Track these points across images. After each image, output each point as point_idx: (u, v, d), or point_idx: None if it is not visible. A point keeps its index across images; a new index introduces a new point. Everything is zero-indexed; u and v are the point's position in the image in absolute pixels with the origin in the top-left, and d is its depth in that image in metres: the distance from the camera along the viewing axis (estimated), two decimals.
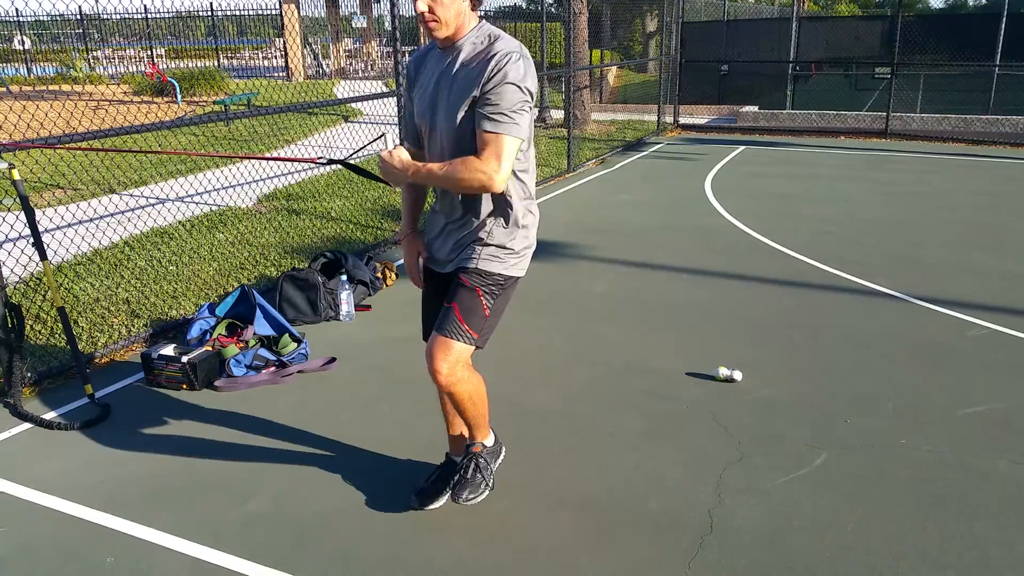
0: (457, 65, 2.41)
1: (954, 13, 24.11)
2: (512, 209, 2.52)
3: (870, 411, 3.61)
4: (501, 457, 2.99)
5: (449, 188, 2.44)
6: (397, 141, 2.52)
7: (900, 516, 2.83)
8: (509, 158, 2.33)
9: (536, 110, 2.50)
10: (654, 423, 3.54)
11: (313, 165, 5.99)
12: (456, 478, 2.84)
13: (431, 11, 2.33)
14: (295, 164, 10.07)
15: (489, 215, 2.52)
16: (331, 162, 3.07)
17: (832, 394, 3.78)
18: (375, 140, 2.77)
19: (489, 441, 2.91)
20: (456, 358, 2.54)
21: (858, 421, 3.51)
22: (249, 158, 3.55)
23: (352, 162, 3.06)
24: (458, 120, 2.39)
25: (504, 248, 2.54)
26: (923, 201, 8.07)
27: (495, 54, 2.33)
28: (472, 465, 2.83)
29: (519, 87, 2.31)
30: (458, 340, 2.53)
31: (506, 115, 2.31)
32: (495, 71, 2.31)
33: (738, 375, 3.90)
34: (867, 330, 4.59)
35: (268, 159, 3.89)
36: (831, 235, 6.70)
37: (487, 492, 2.83)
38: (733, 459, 3.21)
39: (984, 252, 6.16)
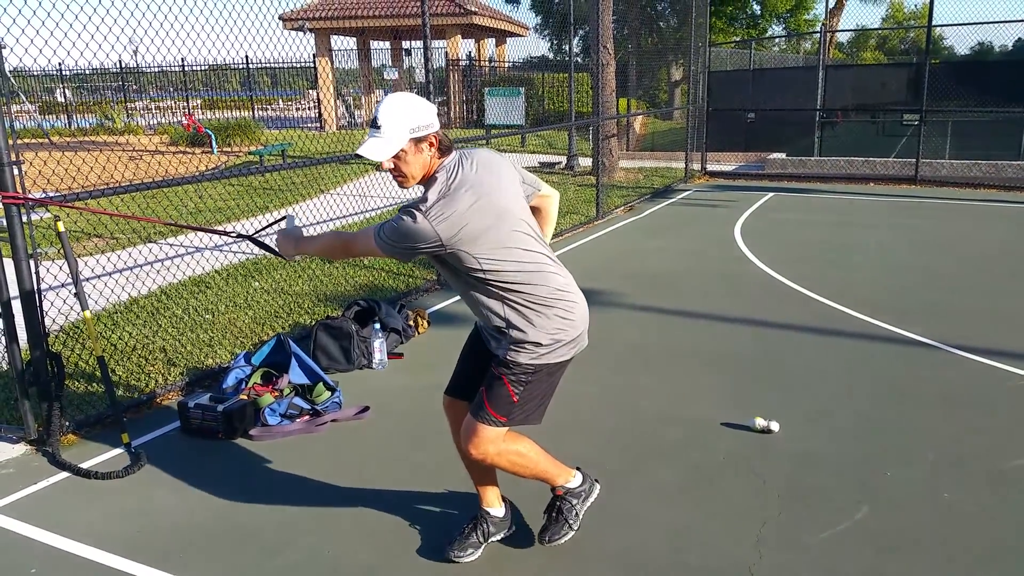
0: None
1: (981, 60, 24.10)
2: (531, 322, 2.53)
3: (910, 463, 3.54)
4: (593, 496, 2.98)
5: (322, 256, 2.88)
6: (298, 222, 2.88)
7: (945, 574, 2.76)
8: (365, 252, 2.58)
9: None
10: (690, 475, 3.50)
11: (350, 213, 6.06)
12: (543, 521, 2.92)
13: (396, 168, 2.49)
14: (332, 212, 10.23)
15: (501, 322, 2.55)
16: (240, 237, 3.41)
17: (870, 445, 3.72)
18: (279, 220, 3.10)
19: (573, 483, 2.92)
20: (483, 440, 2.62)
21: (898, 474, 3.45)
22: (170, 224, 3.75)
23: (260, 238, 3.39)
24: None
25: (531, 343, 2.54)
26: (956, 248, 7.99)
27: (405, 207, 2.43)
28: (555, 509, 2.90)
29: (399, 233, 2.40)
30: (484, 423, 2.61)
31: (382, 235, 2.44)
32: (401, 209, 2.45)
33: (775, 426, 3.85)
34: (904, 379, 4.53)
35: (186, 227, 3.99)
36: (863, 282, 6.65)
37: (571, 533, 2.88)
38: (772, 513, 3.16)
39: (1019, 300, 6.06)
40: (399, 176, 2.51)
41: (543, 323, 2.53)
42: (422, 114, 2.46)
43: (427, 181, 2.51)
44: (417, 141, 2.45)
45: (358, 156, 2.51)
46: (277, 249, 2.88)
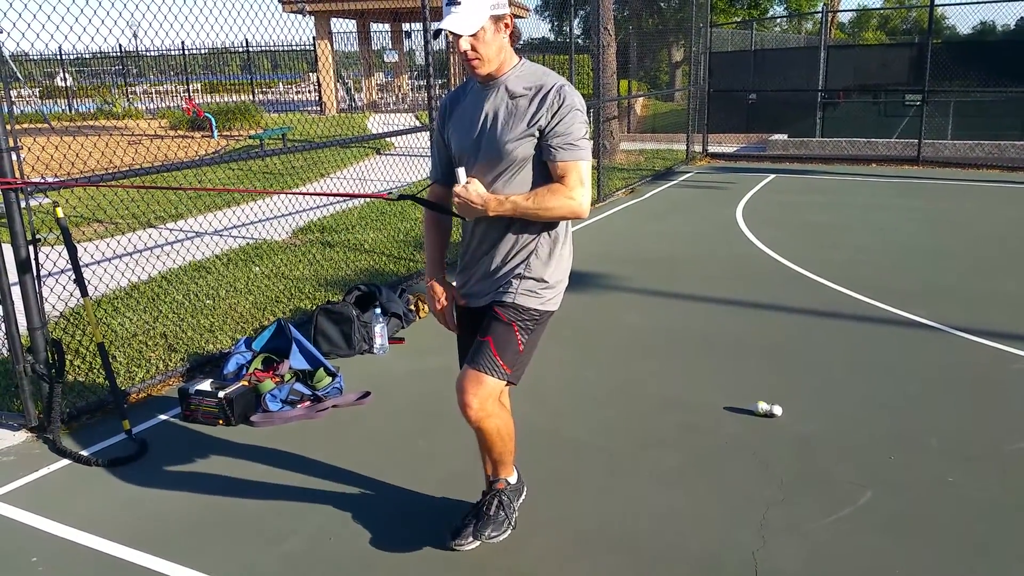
0: (507, 99, 2.45)
1: (983, 40, 23.91)
2: (552, 239, 2.55)
3: (914, 447, 3.53)
4: (523, 496, 2.97)
5: (537, 218, 2.47)
6: (466, 177, 2.48)
7: (949, 558, 2.75)
8: (589, 182, 2.46)
9: None
10: (693, 459, 3.49)
11: (371, 197, 6.04)
12: (479, 515, 2.83)
13: (474, 48, 2.37)
14: (330, 196, 10.19)
15: (527, 246, 2.53)
16: (402, 197, 2.96)
17: (874, 429, 3.71)
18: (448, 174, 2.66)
19: (513, 479, 2.90)
20: (488, 393, 2.54)
21: (902, 458, 3.44)
22: (321, 195, 3.59)
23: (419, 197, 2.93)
24: (516, 151, 2.43)
25: (541, 282, 2.55)
26: (958, 229, 7.95)
27: (552, 87, 2.40)
28: (496, 502, 2.82)
29: (583, 116, 2.41)
30: (491, 375, 2.53)
31: (580, 142, 2.41)
32: (560, 104, 2.39)
33: (778, 410, 3.84)
34: (907, 362, 4.51)
35: (341, 196, 3.93)
36: (866, 264, 6.62)
37: (510, 530, 2.82)
38: (775, 498, 3.15)
39: (1023, 281, 6.04)
40: (474, 58, 2.39)
41: (557, 259, 2.57)
42: None
43: (519, 67, 2.47)
44: (496, 19, 2.37)
45: (437, 32, 2.37)
46: (457, 210, 2.55)
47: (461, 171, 2.49)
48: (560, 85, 2.41)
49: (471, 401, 2.53)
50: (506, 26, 2.41)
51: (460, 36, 2.35)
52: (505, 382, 2.57)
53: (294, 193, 3.98)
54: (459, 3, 2.33)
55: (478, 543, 2.86)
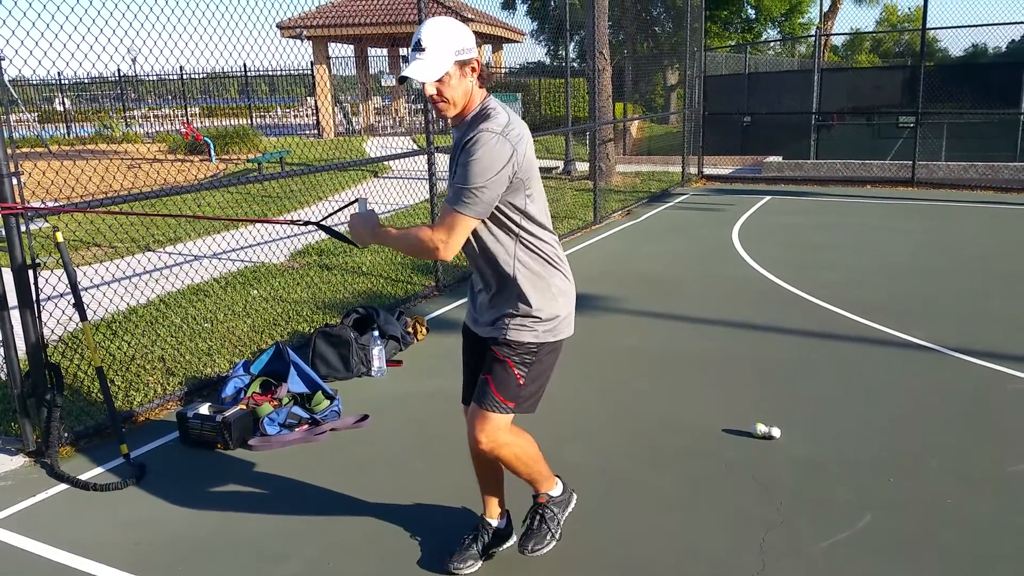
0: (459, 143, 2.48)
1: (975, 63, 24.15)
2: (535, 277, 2.55)
3: (913, 469, 3.53)
4: (571, 505, 2.98)
5: (404, 252, 2.58)
6: (372, 206, 2.65)
7: None
8: (459, 234, 2.40)
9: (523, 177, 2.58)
10: (692, 482, 3.49)
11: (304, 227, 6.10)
12: (523, 529, 2.89)
13: (439, 93, 2.42)
14: (330, 218, 10.21)
15: (513, 288, 2.54)
16: (307, 223, 3.20)
17: (872, 451, 3.71)
18: (350, 204, 2.82)
19: (555, 491, 2.92)
20: (494, 428, 2.59)
21: (901, 480, 3.44)
22: (233, 220, 3.66)
23: (329, 225, 3.20)
24: None
25: (531, 316, 2.55)
26: (953, 250, 7.99)
27: (471, 136, 2.38)
28: (538, 516, 2.87)
29: (483, 166, 2.33)
30: (494, 411, 2.58)
31: (461, 192, 2.36)
32: (467, 150, 2.36)
33: (776, 432, 3.84)
34: (904, 383, 4.52)
35: (251, 221, 3.95)
36: (862, 285, 6.64)
37: (553, 543, 2.85)
38: (775, 521, 3.15)
39: (1019, 301, 6.06)
40: (441, 102, 2.43)
41: (546, 293, 2.56)
42: (465, 37, 2.40)
43: (477, 113, 2.45)
44: (462, 64, 2.40)
45: (403, 79, 2.40)
46: (350, 236, 2.68)
47: (362, 201, 2.66)
48: (479, 133, 2.36)
49: (480, 437, 2.60)
50: (473, 70, 2.44)
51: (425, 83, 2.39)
52: (511, 415, 2.61)
53: (207, 217, 4.00)
54: (423, 48, 2.37)
55: (479, 566, 2.86)
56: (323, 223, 3.08)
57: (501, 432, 2.60)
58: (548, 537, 2.85)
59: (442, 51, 2.36)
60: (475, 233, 2.51)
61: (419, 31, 2.39)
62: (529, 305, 2.54)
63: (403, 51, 25.79)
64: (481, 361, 2.66)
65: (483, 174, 2.33)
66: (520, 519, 2.99)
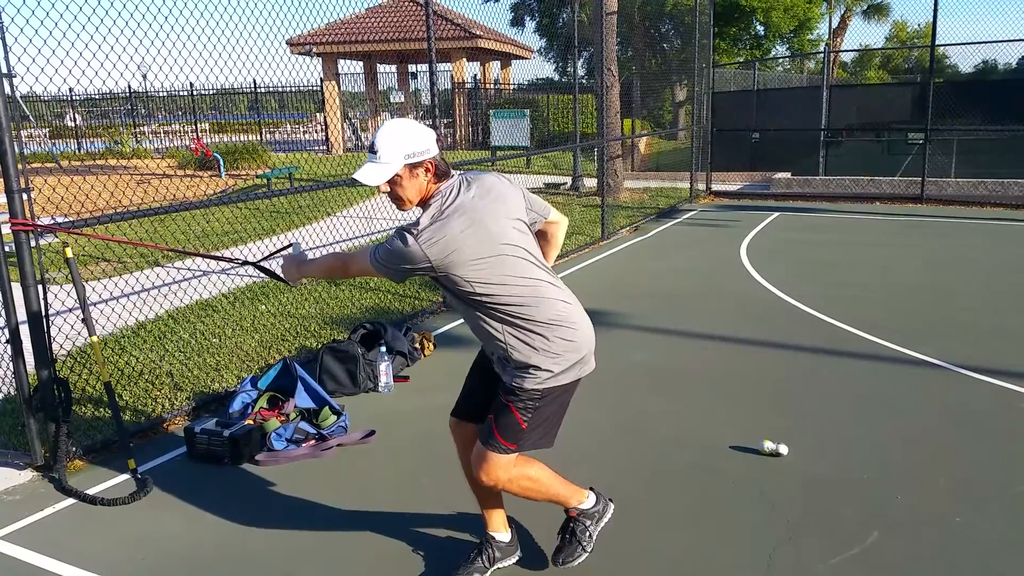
0: None
1: (985, 79, 24.13)
2: (531, 346, 2.53)
3: (921, 487, 3.51)
4: (607, 516, 2.97)
5: (322, 278, 2.85)
6: (303, 249, 2.94)
7: None
8: (361, 272, 2.65)
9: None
10: (700, 500, 3.47)
11: (353, 236, 6.08)
12: (557, 542, 2.91)
13: (393, 192, 2.54)
14: (340, 233, 10.26)
15: (512, 355, 2.55)
16: (245, 264, 3.46)
17: (880, 468, 3.69)
18: (284, 248, 3.06)
19: (587, 504, 2.92)
20: (495, 467, 2.62)
21: (909, 497, 3.41)
22: (178, 252, 3.75)
23: (264, 264, 3.45)
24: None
25: (532, 367, 2.55)
26: (963, 267, 7.96)
27: (399, 229, 2.46)
28: (568, 531, 2.89)
29: (392, 254, 2.44)
30: (495, 451, 2.62)
31: (376, 255, 2.50)
32: (396, 231, 2.47)
33: (784, 449, 3.82)
34: (912, 401, 4.50)
35: (190, 254, 3.99)
36: (870, 302, 6.62)
37: (584, 555, 2.86)
38: (782, 538, 3.13)
39: None
40: (396, 199, 2.56)
41: (545, 346, 2.53)
42: (418, 141, 2.49)
43: (423, 204, 2.55)
44: (412, 167, 2.49)
45: (355, 181, 2.55)
46: (282, 275, 2.95)
47: (296, 244, 2.96)
48: (397, 232, 2.44)
49: (482, 477, 2.65)
50: (426, 170, 2.51)
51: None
52: (512, 455, 2.63)
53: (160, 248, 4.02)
54: (376, 152, 2.49)
55: None
56: (260, 263, 3.41)
57: (502, 471, 2.63)
58: (579, 550, 2.86)
59: (393, 155, 2.47)
60: (455, 302, 2.60)
61: (375, 135, 2.52)
62: (527, 361, 2.54)
63: (412, 67, 25.98)
64: (490, 378, 2.69)
65: (393, 261, 2.46)
66: (546, 529, 2.98)
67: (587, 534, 2.88)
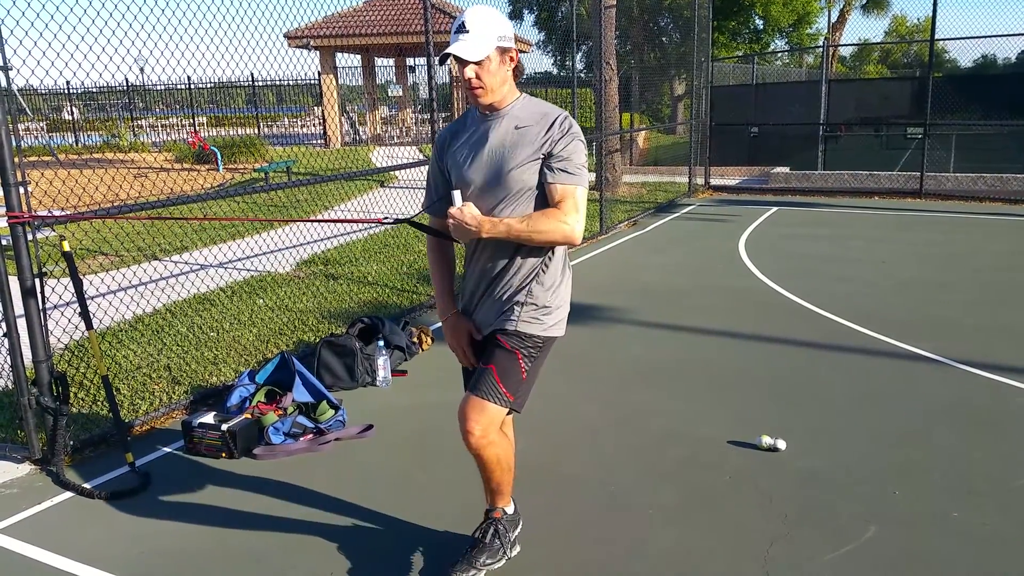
0: (512, 129, 2.48)
1: (984, 73, 24.13)
2: (552, 265, 2.57)
3: (918, 482, 3.51)
4: (519, 528, 2.98)
5: (530, 241, 2.48)
6: (461, 201, 2.51)
7: None
8: (584, 208, 2.48)
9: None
10: (695, 494, 3.48)
11: (371, 224, 6.08)
12: (474, 543, 2.84)
13: (478, 77, 2.42)
14: (335, 227, 10.25)
15: (530, 273, 2.55)
16: (398, 221, 3.06)
17: (878, 463, 3.69)
18: (443, 198, 2.65)
19: (510, 509, 2.92)
20: (490, 420, 2.56)
21: (906, 492, 3.42)
22: (319, 221, 3.65)
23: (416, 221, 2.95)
24: (522, 177, 2.46)
25: (543, 308, 2.56)
26: (961, 262, 7.96)
27: (557, 116, 2.46)
28: (491, 530, 2.84)
29: (584, 147, 2.46)
30: (494, 402, 2.55)
31: (580, 169, 2.45)
32: (564, 131, 2.44)
33: (781, 444, 3.83)
34: (910, 396, 4.50)
35: (336, 221, 3.96)
36: (869, 297, 6.63)
37: (505, 559, 2.84)
38: (779, 533, 3.13)
39: None
40: (478, 87, 2.44)
41: (558, 286, 2.60)
42: (508, 26, 2.46)
43: (521, 101, 2.52)
44: (503, 51, 2.44)
45: (445, 56, 2.42)
46: (452, 233, 2.55)
47: (456, 194, 2.52)
48: (564, 115, 2.48)
49: (473, 428, 2.54)
50: (511, 59, 2.47)
51: (467, 64, 2.40)
52: (508, 409, 2.59)
53: (294, 221, 4.01)
54: (467, 31, 2.38)
55: (506, 558, 2.87)
56: (416, 221, 2.88)
57: (494, 427, 2.58)
58: (502, 553, 2.83)
59: (486, 34, 2.39)
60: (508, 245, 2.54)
61: (463, 15, 2.42)
62: (544, 295, 2.56)
63: (410, 61, 25.90)
64: (482, 355, 2.65)
65: (584, 153, 2.46)
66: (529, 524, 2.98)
67: (508, 538, 2.86)
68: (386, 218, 3.19)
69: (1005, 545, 3.01)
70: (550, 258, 2.58)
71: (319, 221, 4.07)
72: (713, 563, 2.95)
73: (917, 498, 3.37)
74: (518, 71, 2.50)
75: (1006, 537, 3.06)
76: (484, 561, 2.80)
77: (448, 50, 2.39)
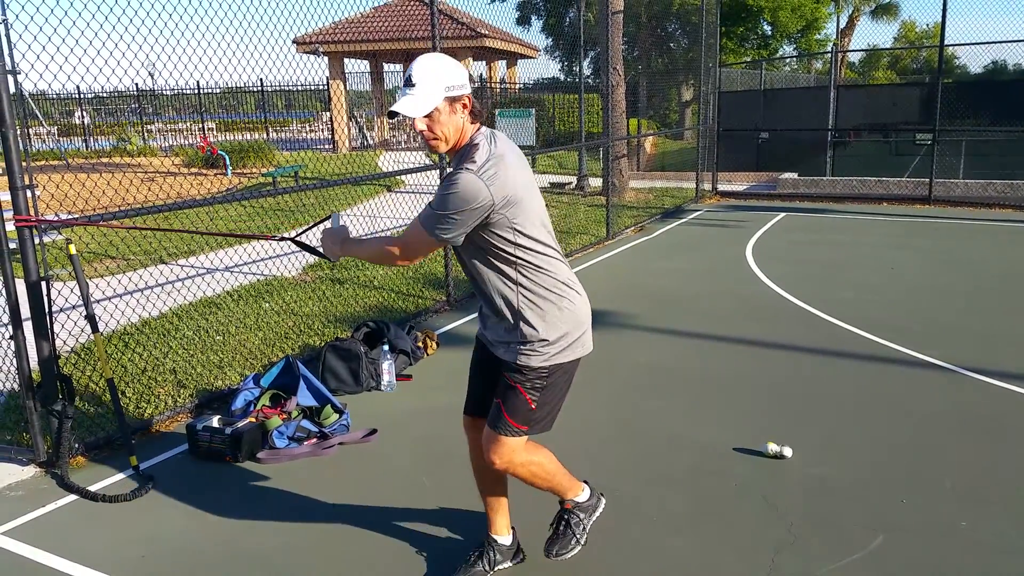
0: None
1: (994, 79, 24.04)
2: (541, 300, 2.52)
3: (926, 490, 3.48)
4: (598, 511, 2.97)
5: (370, 262, 2.66)
6: (343, 221, 2.74)
7: None
8: (420, 249, 2.50)
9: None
10: (702, 502, 3.45)
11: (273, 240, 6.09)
12: (550, 533, 2.90)
13: (429, 129, 2.43)
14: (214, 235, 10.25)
15: (517, 317, 2.53)
16: (283, 239, 3.32)
17: (885, 472, 3.66)
18: (323, 220, 2.89)
19: (582, 497, 2.92)
20: (507, 451, 2.61)
21: (914, 501, 3.39)
22: (208, 234, 3.70)
23: (302, 240, 3.28)
24: None
25: (539, 342, 2.53)
26: (971, 268, 7.91)
27: (455, 169, 2.39)
28: (563, 522, 2.88)
29: (455, 201, 2.33)
30: (507, 435, 2.59)
31: (436, 216, 2.38)
32: (447, 180, 2.38)
33: (788, 451, 3.80)
34: (919, 403, 4.47)
35: (225, 235, 3.98)
36: (877, 303, 6.59)
37: (578, 548, 2.87)
38: (786, 542, 3.10)
39: None
40: (432, 139, 2.44)
41: (553, 316, 2.52)
42: (456, 74, 2.41)
43: (464, 149, 2.44)
44: (452, 100, 2.40)
45: (392, 114, 2.41)
46: (321, 250, 2.77)
47: (336, 215, 2.77)
48: (457, 171, 2.36)
49: (494, 460, 2.62)
50: (464, 106, 2.44)
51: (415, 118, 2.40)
52: (524, 437, 2.61)
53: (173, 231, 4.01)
54: (414, 84, 2.38)
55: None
56: (297, 239, 3.22)
57: (516, 453, 2.61)
58: (572, 542, 2.86)
59: (431, 87, 2.37)
60: (474, 264, 2.53)
61: (410, 67, 2.41)
62: (535, 330, 2.51)
63: None
64: (491, 371, 2.66)
65: (455, 207, 2.33)
66: (539, 525, 2.96)
67: (581, 527, 2.88)
68: (273, 235, 3.43)
69: (1015, 555, 2.98)
70: (530, 295, 2.50)
71: (213, 235, 4.08)
72: (719, 571, 2.93)
73: (925, 507, 3.34)
74: (475, 114, 2.46)
75: (1016, 546, 3.03)
76: (556, 551, 2.85)
77: (393, 107, 2.40)
